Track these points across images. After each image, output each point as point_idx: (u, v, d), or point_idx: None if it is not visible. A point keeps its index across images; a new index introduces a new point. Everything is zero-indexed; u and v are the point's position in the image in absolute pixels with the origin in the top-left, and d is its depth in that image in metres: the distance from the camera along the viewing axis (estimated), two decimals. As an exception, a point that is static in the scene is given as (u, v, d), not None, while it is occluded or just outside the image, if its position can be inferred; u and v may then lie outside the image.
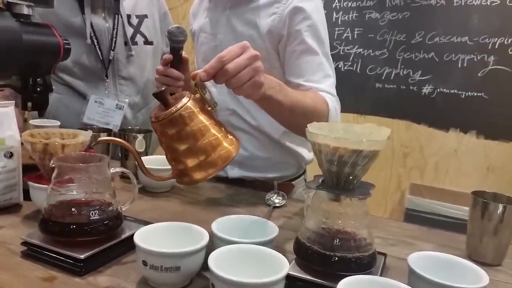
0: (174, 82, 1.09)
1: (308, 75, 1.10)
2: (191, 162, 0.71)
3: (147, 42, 1.53)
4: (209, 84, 1.23)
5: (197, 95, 0.73)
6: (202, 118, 0.71)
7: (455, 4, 2.25)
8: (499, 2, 2.16)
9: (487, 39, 2.21)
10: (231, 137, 0.75)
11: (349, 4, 2.44)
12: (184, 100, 0.71)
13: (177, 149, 0.72)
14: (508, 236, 0.79)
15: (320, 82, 1.09)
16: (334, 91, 1.11)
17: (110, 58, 1.45)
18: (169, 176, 0.77)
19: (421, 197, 2.21)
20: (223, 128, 0.75)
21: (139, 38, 1.51)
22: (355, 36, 2.45)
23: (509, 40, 2.16)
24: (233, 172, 1.26)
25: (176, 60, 1.07)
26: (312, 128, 0.68)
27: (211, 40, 1.22)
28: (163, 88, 0.72)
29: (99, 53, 1.43)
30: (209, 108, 0.74)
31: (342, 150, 0.63)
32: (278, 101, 0.88)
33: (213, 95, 1.23)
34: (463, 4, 2.24)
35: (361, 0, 2.39)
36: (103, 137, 1.15)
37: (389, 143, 2.43)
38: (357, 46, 2.45)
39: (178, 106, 0.70)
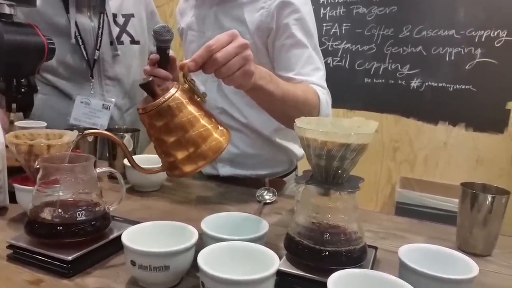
0: (162, 82, 1.06)
1: (298, 68, 1.09)
2: (180, 154, 0.70)
3: (133, 41, 1.51)
4: (198, 82, 1.23)
5: (186, 86, 0.72)
6: (191, 109, 0.70)
7: (442, -2, 2.26)
8: (484, -5, 2.18)
9: (473, 32, 2.22)
10: (222, 128, 0.74)
11: (336, -1, 2.45)
12: (172, 90, 0.69)
13: (166, 141, 0.70)
14: (497, 226, 0.79)
15: (310, 75, 1.08)
16: (324, 84, 1.11)
17: (95, 58, 1.43)
18: (159, 169, 0.75)
19: (411, 190, 2.22)
20: (213, 119, 0.73)
21: (125, 38, 1.49)
22: (343, 32, 2.45)
23: (495, 33, 2.18)
24: (224, 170, 1.25)
25: (163, 60, 1.06)
26: (300, 122, 0.68)
27: (200, 38, 1.21)
28: (150, 79, 0.71)
29: (84, 52, 1.41)
30: (198, 99, 0.73)
31: (330, 144, 0.63)
32: (269, 91, 0.87)
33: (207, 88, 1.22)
34: (449, -3, 2.25)
35: (348, -5, 2.40)
36: (90, 137, 1.14)
37: (379, 137, 2.44)
38: (345, 42, 2.45)
39: (166, 97, 0.68)
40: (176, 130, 0.69)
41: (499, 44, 2.18)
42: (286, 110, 0.93)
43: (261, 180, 1.22)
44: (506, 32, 2.16)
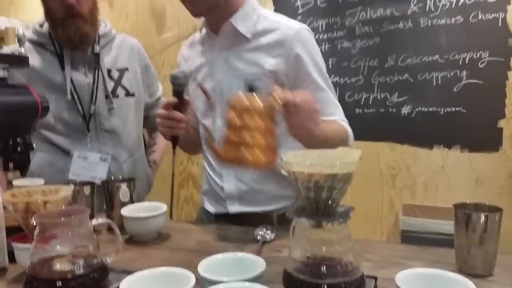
0: (177, 124, 1.14)
1: (323, 110, 1.17)
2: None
3: (128, 94, 1.54)
4: (211, 121, 1.27)
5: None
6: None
7: (422, 26, 2.33)
8: (462, 19, 2.25)
9: (457, 56, 2.28)
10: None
11: (321, 36, 2.52)
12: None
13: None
14: (495, 244, 0.79)
15: (334, 114, 1.21)
16: (345, 118, 1.24)
17: (91, 112, 1.46)
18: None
19: (414, 217, 2.20)
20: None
21: (120, 91, 1.52)
22: (330, 66, 2.51)
23: (478, 54, 2.23)
24: (234, 207, 1.26)
25: (179, 103, 1.13)
26: (287, 157, 0.69)
27: (209, 80, 1.26)
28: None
29: (80, 108, 1.45)
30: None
31: (317, 175, 0.64)
32: (316, 136, 0.97)
33: (216, 128, 1.26)
34: (429, 24, 2.32)
35: (331, 31, 2.47)
36: (87, 190, 1.15)
37: (376, 166, 2.44)
38: (333, 75, 2.50)
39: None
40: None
41: (482, 65, 2.23)
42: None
43: (269, 215, 1.23)
44: (488, 53, 2.21)
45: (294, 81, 1.18)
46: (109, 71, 1.51)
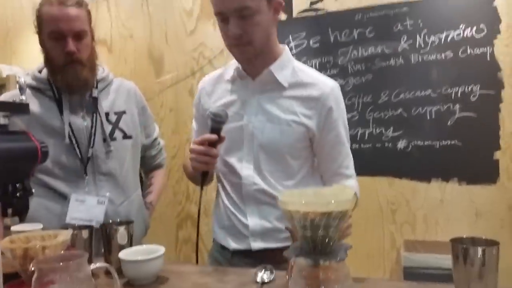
0: (212, 160, 1.17)
1: (339, 161, 1.30)
2: None
3: (125, 136, 1.55)
4: (235, 159, 1.29)
5: None
6: None
7: (413, 62, 2.39)
8: (452, 55, 2.31)
9: (449, 90, 2.32)
10: None
11: (315, 75, 2.58)
12: None
13: None
14: (494, 278, 0.78)
15: (348, 167, 1.31)
16: (354, 171, 1.33)
17: (89, 155, 1.47)
18: None
19: (416, 252, 2.18)
20: None
21: (117, 134, 1.53)
22: (325, 104, 2.56)
23: (469, 88, 2.28)
24: (256, 244, 1.27)
25: (217, 140, 1.16)
26: (283, 196, 0.70)
27: (238, 120, 1.28)
28: None
29: (78, 151, 1.45)
30: None
31: (312, 214, 0.65)
32: None
33: (237, 169, 1.28)
34: (420, 60, 2.38)
35: (325, 70, 2.52)
36: (85, 234, 1.15)
37: (376, 201, 2.43)
38: (328, 112, 2.55)
39: None
40: None
41: (474, 98, 2.27)
42: None
43: None
44: (479, 86, 2.26)
45: (322, 129, 1.26)
46: (107, 115, 1.53)
